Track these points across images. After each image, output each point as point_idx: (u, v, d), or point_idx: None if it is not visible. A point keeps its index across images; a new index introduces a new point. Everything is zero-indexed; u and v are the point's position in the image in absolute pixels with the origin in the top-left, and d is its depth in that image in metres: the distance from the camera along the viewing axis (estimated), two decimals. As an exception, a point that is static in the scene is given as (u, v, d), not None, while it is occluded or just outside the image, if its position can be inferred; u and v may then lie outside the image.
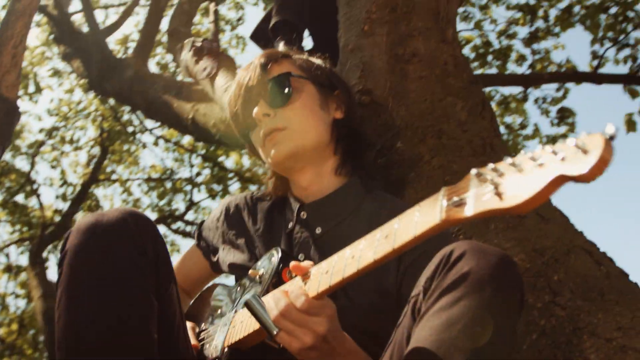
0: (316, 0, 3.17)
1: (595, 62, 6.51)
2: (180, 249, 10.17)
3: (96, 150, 10.89)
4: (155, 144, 9.77)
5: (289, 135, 1.55)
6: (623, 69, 5.60)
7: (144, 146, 10.70)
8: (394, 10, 1.93)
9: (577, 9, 7.01)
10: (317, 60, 1.72)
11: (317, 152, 1.59)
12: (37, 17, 10.35)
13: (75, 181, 10.72)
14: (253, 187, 10.01)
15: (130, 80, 6.44)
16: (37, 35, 10.50)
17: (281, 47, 2.94)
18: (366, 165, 1.70)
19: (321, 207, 1.59)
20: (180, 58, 4.14)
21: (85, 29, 7.36)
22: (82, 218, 1.24)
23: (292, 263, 1.23)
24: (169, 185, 10.36)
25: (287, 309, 1.15)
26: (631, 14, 4.70)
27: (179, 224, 9.87)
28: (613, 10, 4.76)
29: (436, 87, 1.88)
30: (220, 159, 9.20)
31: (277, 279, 1.39)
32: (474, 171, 0.92)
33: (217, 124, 5.00)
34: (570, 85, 5.12)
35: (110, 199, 11.32)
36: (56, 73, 10.69)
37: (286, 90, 1.57)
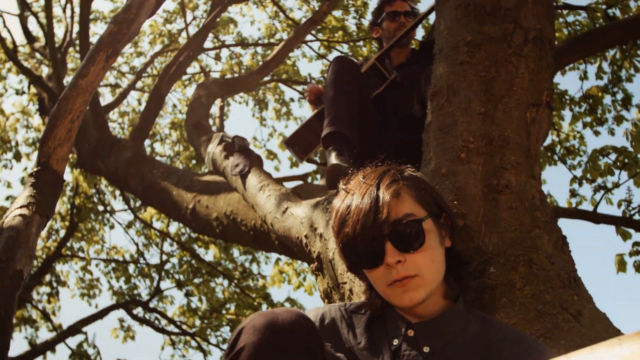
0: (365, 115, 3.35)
1: (573, 200, 6.91)
2: (136, 337, 9.87)
3: (57, 224, 10.74)
4: (129, 226, 9.66)
5: (420, 283, 1.58)
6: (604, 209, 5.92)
7: (112, 227, 10.57)
8: (490, 143, 2.07)
9: (557, 148, 7.50)
10: (421, 178, 1.78)
11: None
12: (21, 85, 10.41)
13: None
14: (219, 280, 9.93)
15: (127, 162, 6.47)
16: (13, 102, 10.57)
17: (333, 158, 3.06)
18: (467, 285, 1.77)
19: (430, 328, 1.63)
20: (207, 150, 4.23)
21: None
22: (252, 316, 1.26)
23: None
24: (131, 268, 10.20)
25: None
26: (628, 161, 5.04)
27: (139, 310, 9.62)
28: (612, 156, 5.09)
29: (525, 218, 2.00)
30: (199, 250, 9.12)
31: (408, 391, 1.43)
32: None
33: (220, 218, 5.06)
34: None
35: (66, 276, 11.03)
36: (34, 143, 10.65)
37: (418, 238, 1.59)
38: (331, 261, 2.56)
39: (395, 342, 1.64)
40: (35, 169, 2.81)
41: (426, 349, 1.60)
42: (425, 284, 1.59)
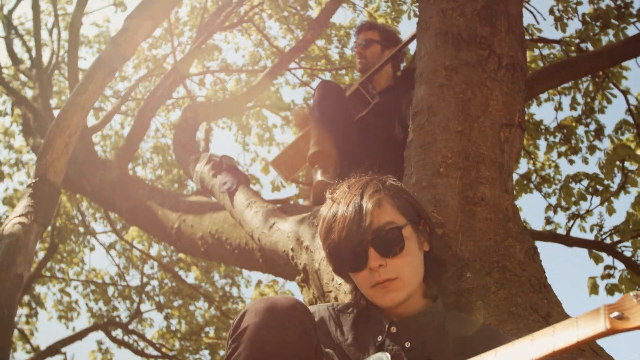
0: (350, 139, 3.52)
1: (549, 227, 7.12)
2: (114, 359, 9.85)
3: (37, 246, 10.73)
4: (111, 247, 9.71)
5: (401, 285, 1.74)
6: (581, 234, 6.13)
7: (92, 249, 10.59)
8: (467, 159, 2.24)
9: (533, 177, 7.73)
10: (402, 188, 1.94)
11: None
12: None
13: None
14: (199, 304, 9.99)
15: (113, 182, 6.56)
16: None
17: (319, 175, 3.22)
18: (444, 286, 1.92)
19: (410, 325, 1.78)
20: (196, 169, 4.36)
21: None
22: (254, 301, 1.41)
23: None
24: (111, 291, 10.21)
25: None
26: (600, 187, 5.27)
27: (118, 332, 9.62)
28: (585, 182, 5.32)
29: (499, 229, 2.17)
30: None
31: (392, 379, 1.57)
32: (632, 294, 1.18)
33: (205, 237, 5.16)
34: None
35: (44, 298, 10.99)
36: (17, 163, 10.69)
37: (399, 244, 1.74)
38: (317, 271, 2.70)
39: (380, 338, 1.79)
40: (33, 181, 2.92)
41: (407, 344, 1.75)
42: (405, 285, 1.75)
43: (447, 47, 2.48)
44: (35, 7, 7.47)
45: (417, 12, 2.79)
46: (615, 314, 1.18)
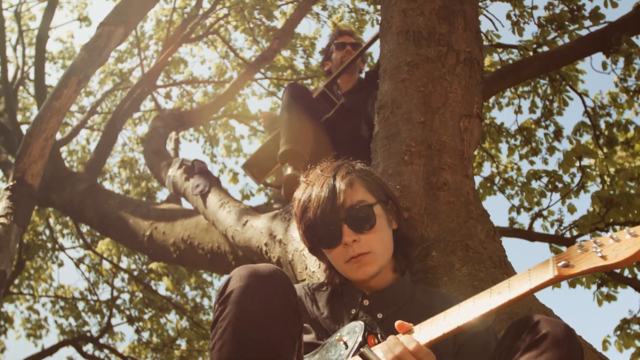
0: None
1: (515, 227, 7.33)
2: (85, 375, 9.75)
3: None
4: (80, 261, 9.66)
5: (373, 259, 1.87)
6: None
7: (61, 264, 10.52)
8: (430, 147, 2.39)
9: (496, 179, 7.95)
10: (370, 171, 2.08)
11: None
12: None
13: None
14: (170, 317, 9.97)
15: (82, 194, 6.57)
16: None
17: (289, 170, 3.34)
18: (412, 263, 2.06)
19: (381, 297, 1.92)
20: (168, 174, 4.45)
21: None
22: (238, 268, 1.53)
23: (398, 321, 1.55)
24: (81, 306, 10.14)
25: (403, 353, 1.45)
26: (560, 185, 5.48)
27: (89, 347, 9.56)
28: (544, 179, 5.52)
29: (461, 211, 2.32)
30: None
31: (363, 344, 1.69)
32: (577, 245, 1.33)
33: (177, 243, 5.23)
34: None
35: (11, 316, 10.86)
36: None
37: (370, 220, 1.88)
38: (290, 262, 2.82)
39: (353, 311, 1.92)
40: (11, 183, 2.99)
41: (379, 315, 1.89)
42: (377, 259, 1.89)
43: (408, 44, 2.63)
44: None
45: (380, 21, 2.94)
46: (562, 262, 1.33)
